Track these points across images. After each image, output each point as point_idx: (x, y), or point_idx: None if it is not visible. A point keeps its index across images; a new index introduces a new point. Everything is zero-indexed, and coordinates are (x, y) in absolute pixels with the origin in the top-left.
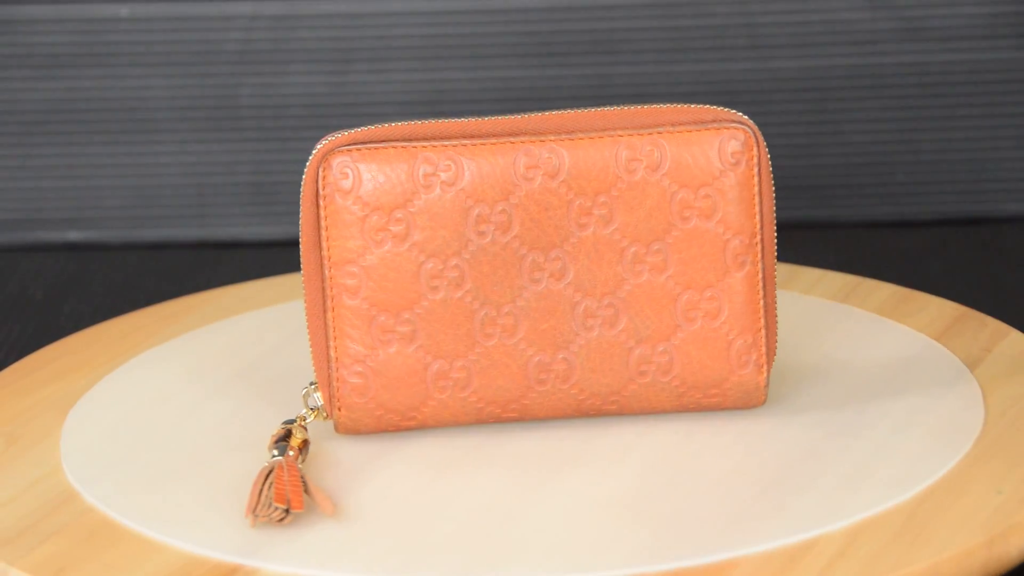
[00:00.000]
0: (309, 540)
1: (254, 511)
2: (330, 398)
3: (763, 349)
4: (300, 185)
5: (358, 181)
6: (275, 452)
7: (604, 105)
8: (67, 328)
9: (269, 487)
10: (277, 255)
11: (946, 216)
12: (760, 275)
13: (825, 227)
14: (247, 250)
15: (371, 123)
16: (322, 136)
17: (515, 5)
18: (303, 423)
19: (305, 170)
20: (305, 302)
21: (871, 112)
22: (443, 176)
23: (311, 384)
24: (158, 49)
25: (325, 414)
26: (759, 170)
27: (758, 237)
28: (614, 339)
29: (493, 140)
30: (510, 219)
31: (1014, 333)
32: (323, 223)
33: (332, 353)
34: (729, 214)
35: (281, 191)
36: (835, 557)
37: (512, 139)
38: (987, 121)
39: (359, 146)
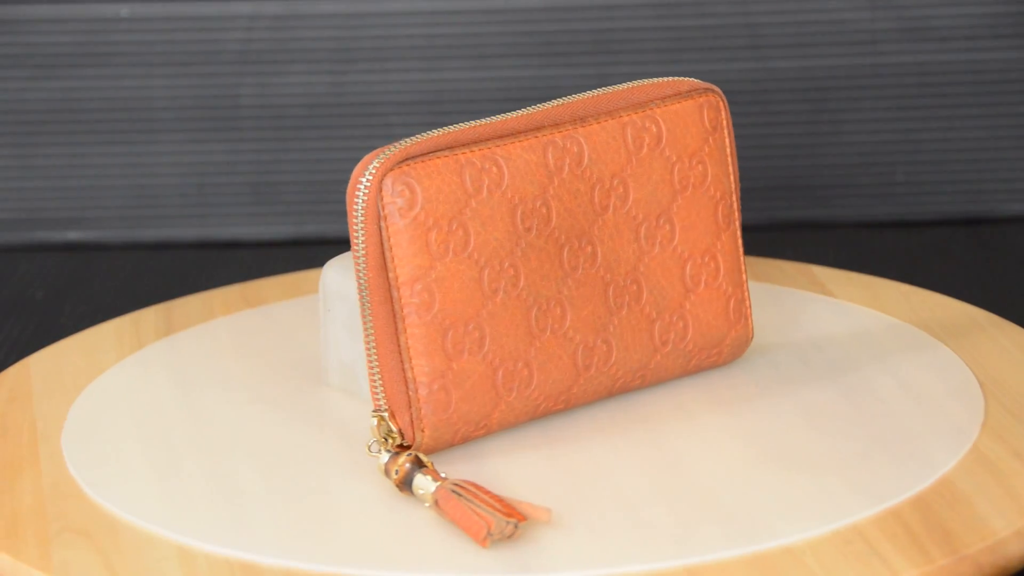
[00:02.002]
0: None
1: (489, 532)
2: (411, 421)
3: (748, 302)
4: (300, 187)
5: (415, 197)
6: (420, 480)
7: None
8: (67, 328)
9: (474, 508)
10: (277, 255)
11: (946, 216)
12: (739, 231)
13: (825, 227)
14: (247, 250)
15: (371, 123)
16: (320, 138)
17: (515, 5)
18: (389, 448)
19: (360, 195)
20: (374, 329)
21: (871, 112)
22: (487, 180)
23: (382, 412)
24: (158, 49)
25: (399, 439)
26: (729, 132)
27: (735, 195)
28: (640, 314)
29: (521, 137)
30: (549, 211)
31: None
32: (387, 244)
33: (409, 375)
34: (716, 177)
35: (281, 191)
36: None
37: (537, 133)
38: (987, 121)
39: (409, 162)
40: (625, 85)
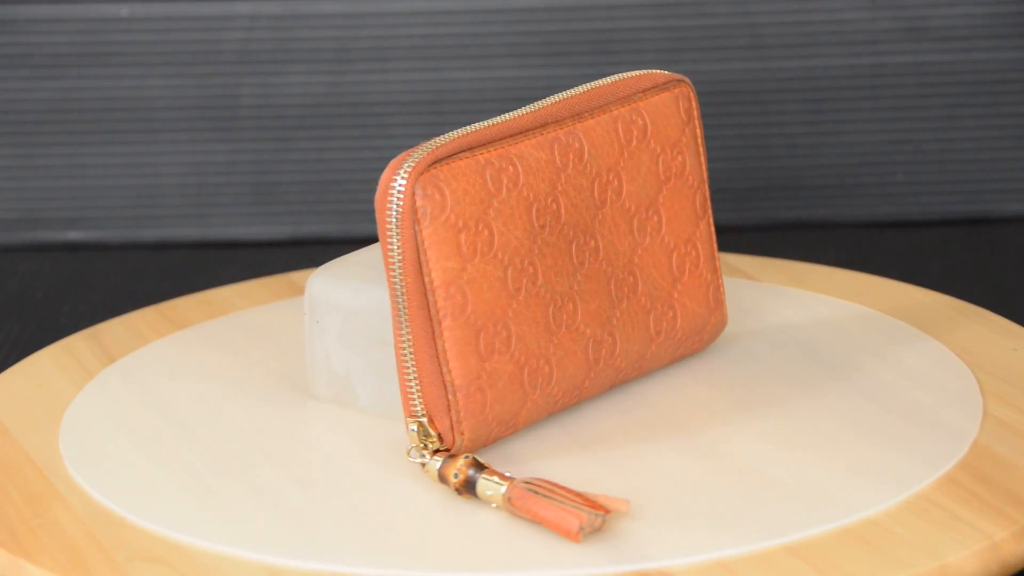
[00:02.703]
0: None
1: (582, 526)
2: (451, 425)
3: (723, 288)
4: (300, 187)
5: (445, 200)
6: (485, 482)
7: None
8: (67, 328)
9: (558, 503)
10: (277, 255)
11: (946, 216)
12: (712, 218)
13: (825, 227)
14: (247, 250)
15: (371, 123)
16: (320, 138)
17: (515, 5)
18: (428, 457)
19: (394, 199)
20: (411, 335)
21: (871, 112)
22: (506, 179)
23: (420, 418)
24: (158, 49)
25: (437, 445)
26: (699, 121)
27: (707, 182)
28: (637, 305)
29: (530, 135)
30: (559, 208)
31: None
32: (421, 247)
33: (447, 378)
34: (692, 167)
35: (281, 191)
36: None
37: (543, 131)
38: (987, 121)
39: (436, 164)
40: (609, 79)
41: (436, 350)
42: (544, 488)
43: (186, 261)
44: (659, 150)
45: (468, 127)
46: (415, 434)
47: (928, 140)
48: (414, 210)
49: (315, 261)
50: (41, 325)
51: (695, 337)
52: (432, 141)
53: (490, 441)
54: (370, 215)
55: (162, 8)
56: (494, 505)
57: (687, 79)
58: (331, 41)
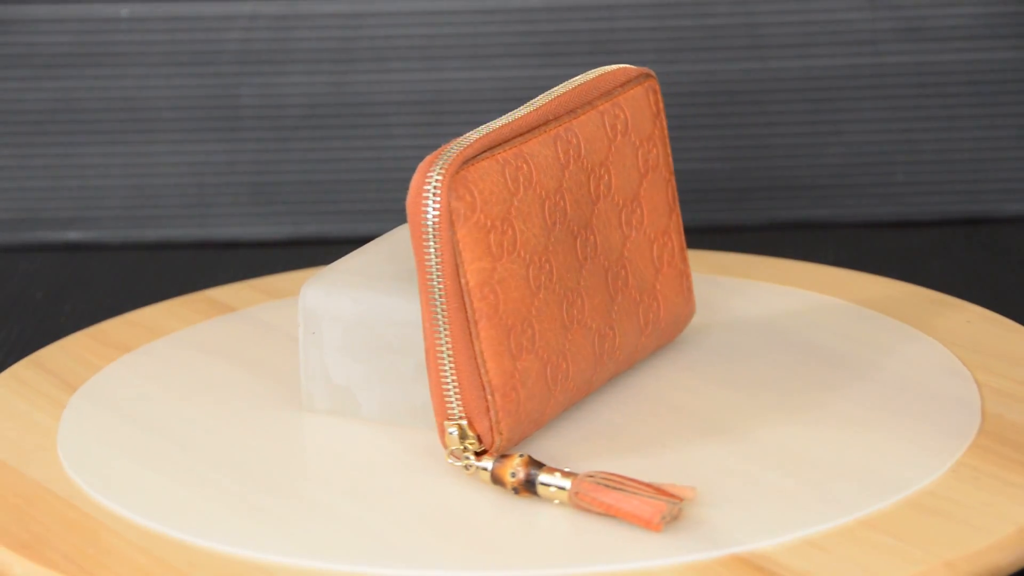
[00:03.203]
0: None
1: (663, 516)
2: (490, 426)
3: (691, 277)
4: (300, 187)
5: (475, 200)
6: (548, 478)
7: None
8: (67, 328)
9: (631, 494)
10: (277, 255)
11: (946, 216)
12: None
13: (825, 227)
14: (247, 250)
15: (371, 123)
16: (320, 138)
17: (515, 5)
18: (468, 463)
19: (430, 201)
20: (450, 338)
21: (871, 112)
22: (522, 177)
23: (459, 421)
24: (158, 49)
25: (477, 447)
26: (664, 114)
27: (674, 174)
28: (629, 298)
29: (536, 132)
30: (565, 204)
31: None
32: (456, 249)
33: (485, 379)
34: (663, 158)
35: (281, 191)
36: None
37: (546, 128)
38: (987, 121)
39: (465, 165)
40: (590, 75)
41: (474, 351)
42: (612, 480)
43: (186, 261)
44: (638, 143)
45: (483, 127)
46: (454, 437)
47: (928, 140)
48: (450, 212)
49: (315, 261)
50: (41, 325)
51: (673, 327)
52: (455, 142)
53: (520, 440)
54: (370, 215)
55: (162, 8)
56: (556, 502)
57: (653, 72)
58: (331, 41)
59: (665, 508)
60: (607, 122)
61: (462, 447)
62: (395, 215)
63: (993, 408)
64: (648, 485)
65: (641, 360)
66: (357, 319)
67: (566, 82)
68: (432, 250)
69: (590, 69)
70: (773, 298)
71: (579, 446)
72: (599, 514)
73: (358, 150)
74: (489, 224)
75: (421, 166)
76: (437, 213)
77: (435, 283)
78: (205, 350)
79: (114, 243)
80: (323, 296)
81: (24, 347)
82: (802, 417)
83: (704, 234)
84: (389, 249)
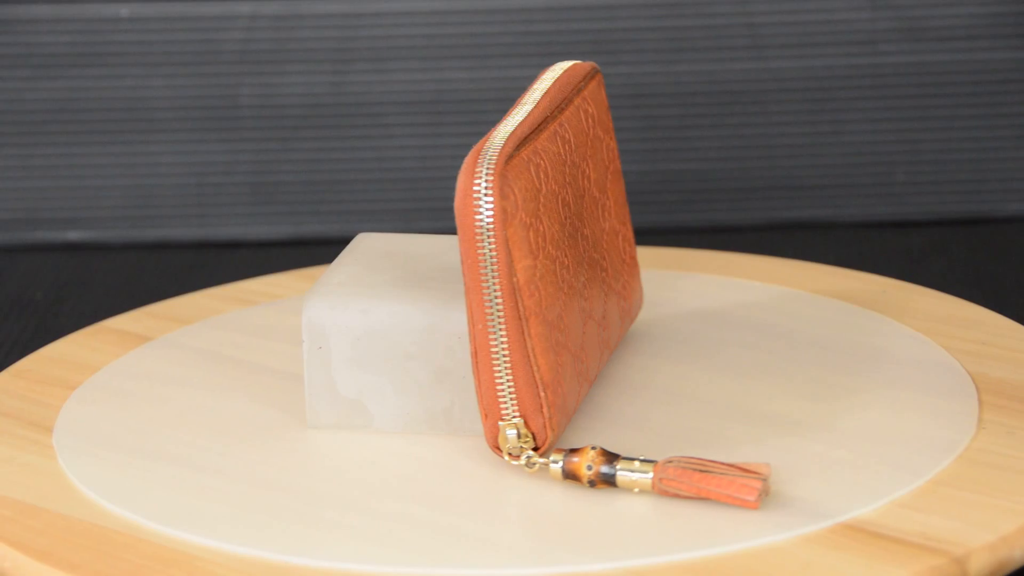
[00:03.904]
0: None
1: (760, 494)
2: (544, 423)
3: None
4: (300, 187)
5: (517, 198)
6: (628, 467)
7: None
8: (67, 328)
9: (720, 475)
10: (277, 255)
11: (946, 216)
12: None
13: (825, 227)
14: (247, 250)
15: (371, 123)
16: (320, 138)
17: (515, 5)
18: (531, 460)
19: (483, 200)
20: (507, 338)
21: (871, 112)
22: (542, 174)
23: (515, 420)
24: (158, 49)
25: (532, 444)
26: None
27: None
28: (611, 289)
29: (541, 129)
30: (568, 198)
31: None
32: (508, 248)
33: (537, 376)
34: (615, 150)
35: (281, 191)
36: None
37: (547, 124)
38: (987, 121)
39: (506, 164)
40: (560, 70)
41: (527, 350)
42: (695, 463)
43: (186, 261)
44: (602, 136)
45: (502, 124)
46: (513, 437)
47: (928, 140)
48: (503, 210)
49: (315, 260)
50: (41, 325)
51: (634, 316)
52: (489, 141)
53: (560, 434)
54: (370, 215)
55: (162, 8)
56: (636, 491)
57: (598, 66)
58: (331, 41)
59: (760, 485)
60: (583, 116)
61: (520, 446)
62: (395, 215)
63: (974, 368)
64: (728, 465)
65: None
66: (367, 330)
67: (541, 78)
68: (486, 251)
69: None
70: (735, 291)
71: (606, 434)
72: (686, 498)
73: (358, 150)
74: (528, 222)
75: (465, 168)
76: (491, 213)
77: (490, 283)
78: (164, 381)
79: (114, 243)
80: (328, 310)
81: (24, 347)
82: (813, 395)
83: (704, 234)
84: (366, 261)
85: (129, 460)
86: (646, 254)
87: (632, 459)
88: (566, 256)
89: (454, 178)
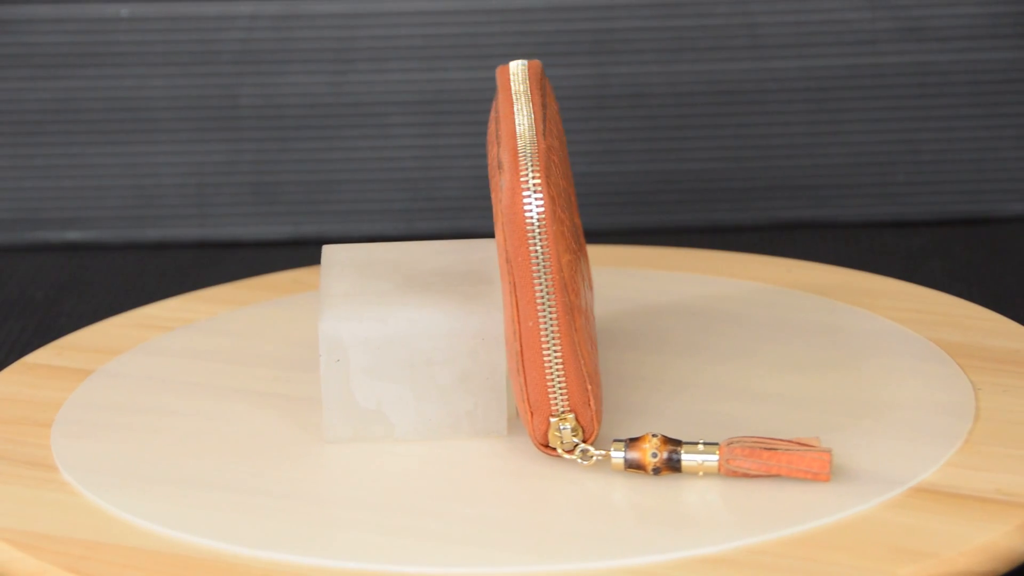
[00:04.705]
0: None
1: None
2: (591, 416)
3: None
4: (300, 187)
5: (554, 194)
6: (693, 451)
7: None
8: (67, 328)
9: (786, 451)
10: (277, 255)
11: (946, 216)
12: None
13: (825, 227)
14: (247, 250)
15: (371, 123)
16: (320, 138)
17: (515, 5)
18: (586, 454)
19: (533, 201)
20: (560, 334)
21: (871, 112)
22: (554, 167)
23: (567, 414)
24: (158, 49)
25: (581, 437)
26: None
27: None
28: (589, 279)
29: (544, 122)
30: (568, 189)
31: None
32: (555, 243)
33: (585, 370)
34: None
35: (281, 191)
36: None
37: (543, 119)
38: (987, 121)
39: (546, 158)
40: (519, 70)
41: (575, 344)
42: (759, 441)
43: (186, 261)
44: (561, 128)
45: (519, 119)
46: (568, 432)
47: (928, 140)
48: (551, 205)
49: (315, 260)
50: (41, 325)
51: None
52: (525, 137)
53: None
54: (370, 215)
55: (162, 8)
56: (700, 474)
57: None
58: (331, 41)
59: (829, 458)
60: (558, 110)
61: (573, 441)
62: (395, 215)
63: (933, 335)
64: (789, 441)
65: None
66: (387, 339)
67: (512, 77)
68: (538, 247)
69: (588, 69)
70: (701, 285)
71: (630, 422)
72: (755, 476)
73: (358, 150)
74: (561, 217)
75: (510, 166)
76: (541, 209)
77: (542, 279)
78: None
79: (114, 243)
80: (344, 322)
81: (24, 347)
82: (806, 370)
83: (704, 234)
84: (355, 272)
85: (162, 488)
86: (646, 253)
87: (694, 443)
88: (574, 252)
89: (454, 178)
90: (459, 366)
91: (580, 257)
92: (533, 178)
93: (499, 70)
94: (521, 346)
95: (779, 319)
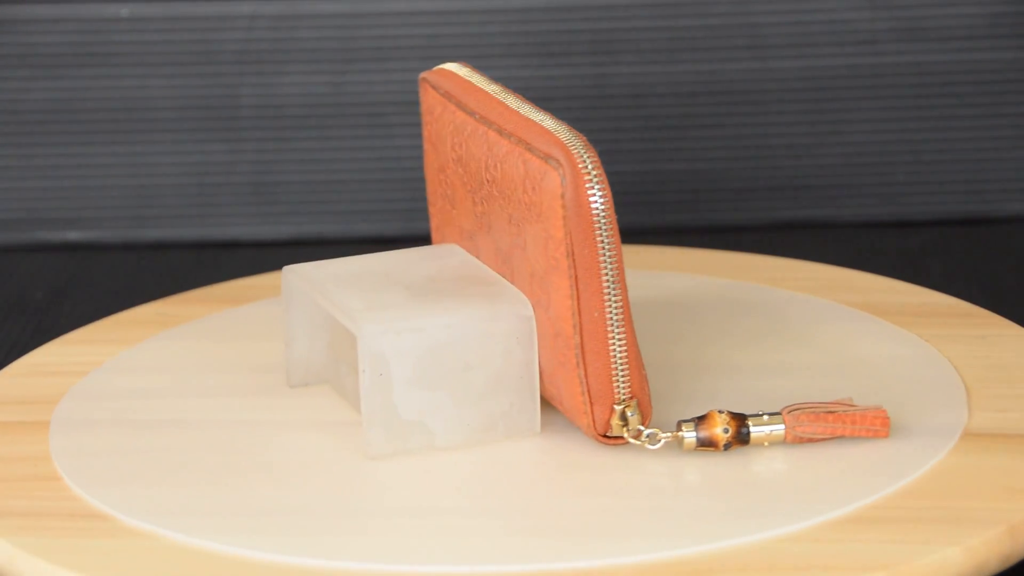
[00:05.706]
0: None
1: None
2: (648, 400)
3: None
4: (300, 187)
5: (607, 186)
6: (760, 423)
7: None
8: (67, 328)
9: (844, 412)
10: (277, 255)
11: (946, 216)
12: None
13: (825, 227)
14: (247, 250)
15: (371, 123)
16: (320, 138)
17: (515, 5)
18: (653, 437)
19: (598, 197)
20: (624, 324)
21: (871, 112)
22: None
23: (629, 401)
24: (158, 49)
25: (639, 422)
26: None
27: None
28: None
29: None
30: None
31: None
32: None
33: (641, 357)
34: None
35: (281, 191)
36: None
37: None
38: (987, 121)
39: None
40: (456, 72)
41: (632, 332)
42: (814, 406)
43: (186, 261)
44: None
45: (540, 114)
46: (635, 418)
47: (928, 140)
48: (610, 194)
49: (315, 260)
50: (41, 325)
51: None
52: (559, 132)
53: None
54: (370, 215)
55: (162, 8)
56: (766, 444)
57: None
58: (331, 41)
59: (886, 414)
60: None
61: (638, 427)
62: (395, 215)
63: (918, 329)
64: (838, 403)
65: None
66: (428, 348)
67: (471, 77)
68: (604, 237)
69: (588, 69)
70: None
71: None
72: (819, 440)
73: (358, 150)
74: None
75: (568, 160)
76: (604, 199)
77: (608, 269)
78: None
79: (114, 243)
80: (386, 335)
81: (24, 347)
82: (786, 358)
83: (704, 234)
84: (351, 285)
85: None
86: (644, 253)
87: (759, 415)
88: None
89: None
90: (494, 367)
91: None
92: (593, 167)
93: (438, 73)
94: (582, 337)
95: (778, 319)
